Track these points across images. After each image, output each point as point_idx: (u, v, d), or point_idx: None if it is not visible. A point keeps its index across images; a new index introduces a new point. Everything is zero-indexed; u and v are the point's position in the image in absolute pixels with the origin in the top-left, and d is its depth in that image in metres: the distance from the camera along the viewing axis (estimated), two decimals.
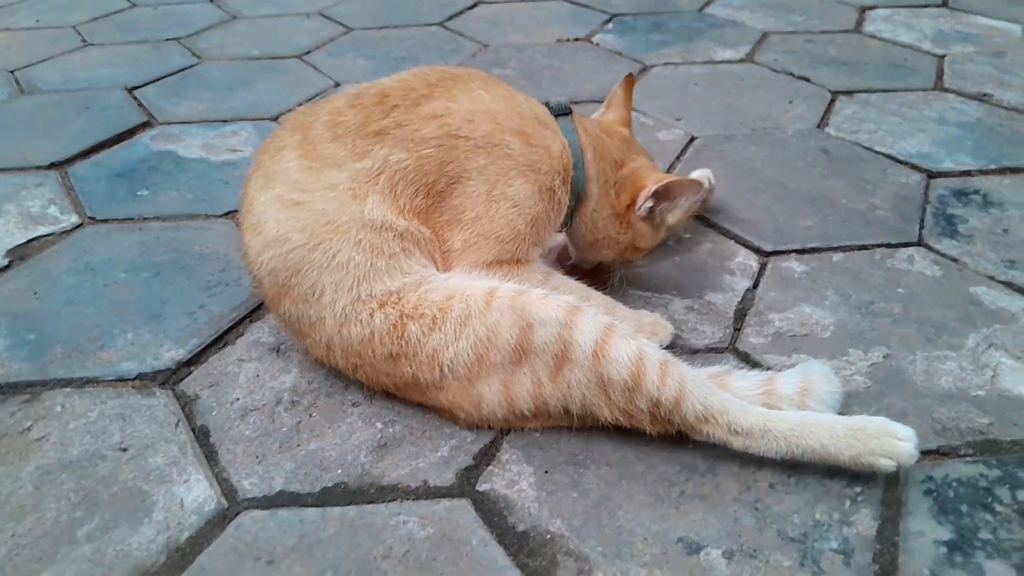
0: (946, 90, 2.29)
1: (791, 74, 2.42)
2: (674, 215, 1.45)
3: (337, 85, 2.40)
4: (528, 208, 1.22)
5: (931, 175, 1.86)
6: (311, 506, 1.11)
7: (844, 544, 1.03)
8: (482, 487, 1.13)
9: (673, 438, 1.16)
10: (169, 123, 2.20)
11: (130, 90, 2.41)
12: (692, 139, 2.06)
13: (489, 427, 1.20)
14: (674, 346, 1.34)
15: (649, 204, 1.34)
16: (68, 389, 1.31)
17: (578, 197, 1.31)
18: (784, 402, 1.17)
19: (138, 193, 1.86)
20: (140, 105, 2.31)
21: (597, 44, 2.70)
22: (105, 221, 1.76)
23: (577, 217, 1.35)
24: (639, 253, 1.43)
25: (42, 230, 1.72)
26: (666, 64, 2.52)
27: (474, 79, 1.29)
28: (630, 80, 1.55)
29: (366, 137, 1.19)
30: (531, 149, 1.22)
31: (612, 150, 1.38)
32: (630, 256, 1.43)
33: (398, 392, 1.24)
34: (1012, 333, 1.37)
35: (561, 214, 1.30)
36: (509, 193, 1.21)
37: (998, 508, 1.08)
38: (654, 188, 1.33)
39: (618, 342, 1.10)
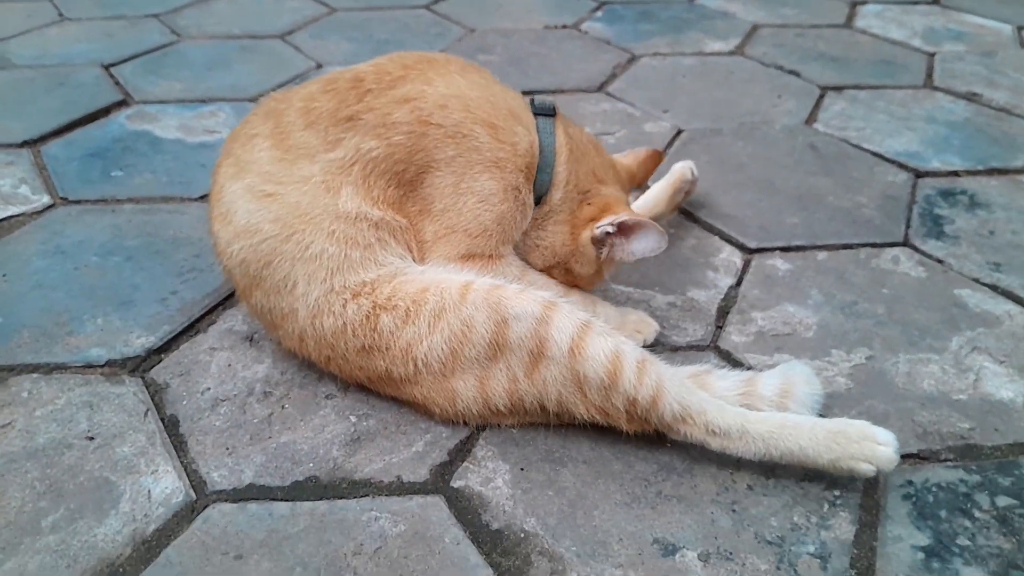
0: (935, 88, 2.28)
1: (781, 68, 2.40)
2: (615, 258, 1.29)
3: (319, 67, 2.36)
4: (493, 205, 1.18)
5: (918, 174, 1.85)
6: (281, 500, 1.08)
7: (821, 548, 1.02)
8: (456, 484, 1.10)
9: (651, 437, 1.14)
10: (146, 102, 2.16)
11: (107, 67, 2.36)
12: (679, 132, 2.03)
13: (464, 423, 1.18)
14: (656, 343, 1.32)
15: (609, 230, 1.24)
16: (35, 375, 1.28)
17: (539, 200, 1.26)
18: (764, 403, 1.15)
19: (112, 174, 1.82)
20: (116, 83, 2.26)
21: (585, 32, 2.67)
22: (77, 202, 1.72)
23: (532, 216, 1.27)
24: (569, 275, 1.31)
25: (12, 210, 1.68)
26: (655, 55, 2.50)
27: (452, 63, 1.25)
28: (659, 157, 1.51)
29: (338, 124, 1.16)
30: (498, 145, 1.17)
31: (596, 163, 1.31)
32: (558, 274, 1.32)
33: (372, 385, 1.21)
34: (996, 337, 1.36)
35: (527, 216, 1.24)
36: (475, 188, 1.17)
37: (977, 514, 1.07)
38: (625, 219, 1.24)
39: (595, 339, 1.08)
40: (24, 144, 1.93)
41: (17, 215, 1.67)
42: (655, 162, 1.52)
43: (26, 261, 1.53)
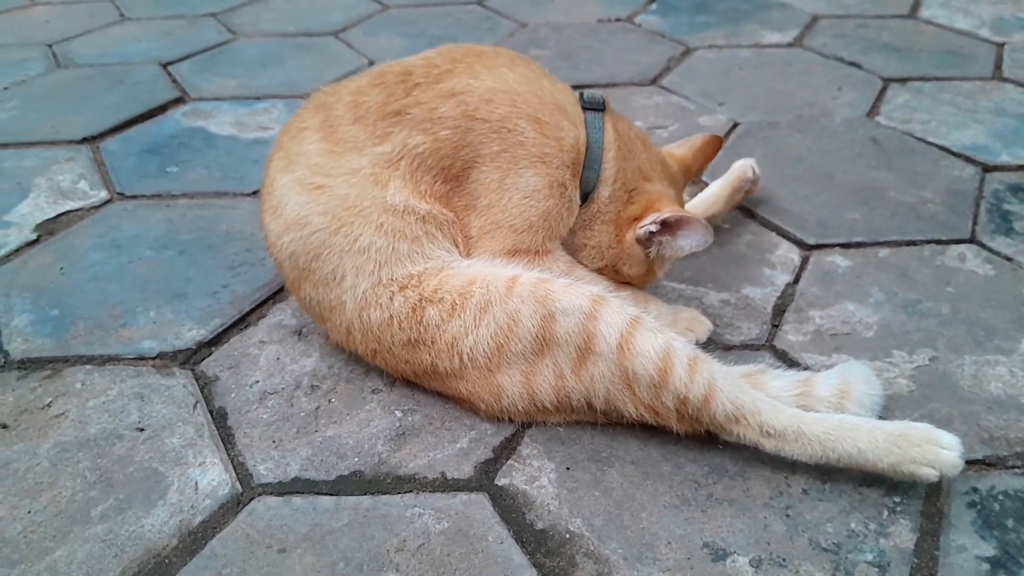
0: (1005, 80, 2.18)
1: (841, 59, 2.32)
2: (665, 256, 1.27)
3: (371, 63, 2.37)
4: (539, 201, 1.16)
5: (986, 168, 1.77)
6: (326, 494, 1.08)
7: (880, 556, 0.98)
8: (501, 482, 1.09)
9: (702, 438, 1.11)
10: (201, 99, 2.19)
11: (164, 65, 2.40)
12: (735, 125, 1.98)
13: (510, 419, 1.16)
14: (708, 342, 1.28)
15: (652, 229, 1.21)
16: (89, 366, 1.30)
17: (586, 197, 1.23)
18: (821, 404, 1.11)
19: (167, 169, 1.85)
20: (173, 81, 2.30)
21: (639, 25, 2.63)
22: (133, 197, 1.75)
23: (579, 214, 1.25)
24: (618, 276, 1.28)
25: (71, 205, 1.72)
26: (710, 47, 2.44)
27: (501, 56, 1.23)
28: (718, 143, 1.46)
29: (386, 118, 1.15)
30: (543, 140, 1.15)
31: (643, 159, 1.28)
32: (608, 275, 1.29)
33: (418, 380, 1.20)
34: None
35: (573, 212, 1.22)
36: (520, 184, 1.15)
37: None
38: (667, 215, 1.20)
39: (644, 335, 1.05)
40: (84, 140, 1.97)
41: (76, 209, 1.70)
42: (714, 148, 1.47)
43: (83, 255, 1.56)
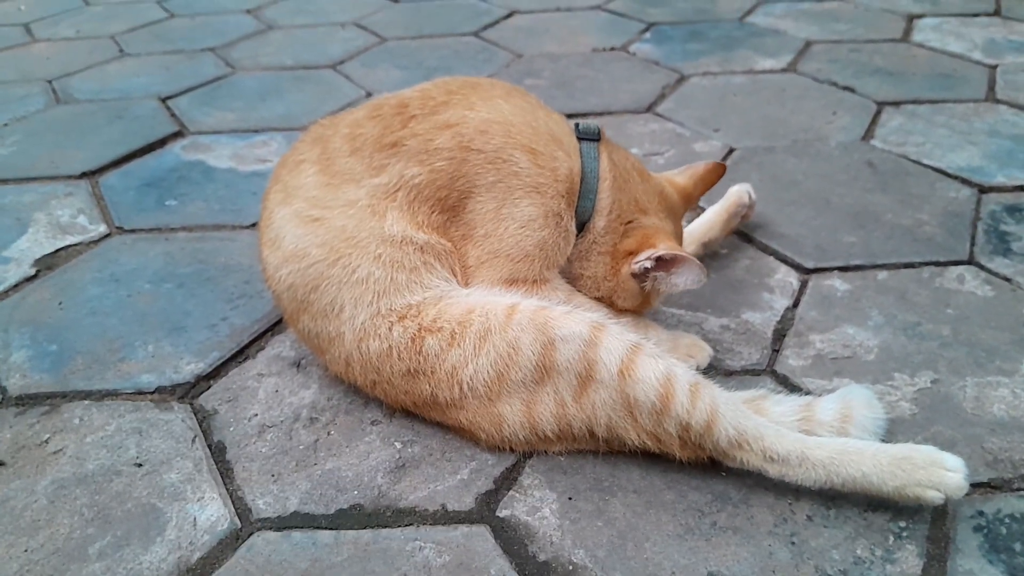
0: (998, 101, 2.19)
1: (835, 84, 2.34)
2: (660, 290, 1.27)
3: (369, 95, 2.38)
4: (534, 231, 1.16)
5: (982, 190, 1.77)
6: (325, 528, 1.07)
7: None
8: (502, 513, 1.08)
9: (704, 465, 1.10)
10: (200, 132, 2.20)
11: (163, 100, 2.42)
12: (731, 150, 1.99)
13: (511, 449, 1.15)
14: (709, 368, 1.28)
15: (647, 265, 1.21)
16: (87, 401, 1.29)
17: (583, 227, 1.23)
18: (823, 429, 1.10)
19: (166, 203, 1.85)
20: (172, 115, 2.32)
21: (633, 53, 2.65)
22: (132, 231, 1.75)
23: (575, 244, 1.25)
24: (613, 308, 1.27)
25: (70, 240, 1.72)
26: (704, 74, 2.46)
27: (496, 87, 1.24)
28: (720, 169, 1.45)
29: (383, 150, 1.16)
30: (538, 170, 1.16)
31: (640, 190, 1.28)
32: (605, 306, 1.28)
33: (417, 410, 1.20)
34: None
35: (570, 242, 1.22)
36: (516, 214, 1.15)
37: None
38: (663, 252, 1.20)
39: (645, 361, 1.05)
40: (83, 175, 1.98)
41: (75, 244, 1.71)
42: (716, 175, 1.45)
43: (81, 289, 1.56)
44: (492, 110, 1.18)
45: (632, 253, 1.23)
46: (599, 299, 1.28)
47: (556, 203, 1.17)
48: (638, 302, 1.27)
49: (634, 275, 1.23)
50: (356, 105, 1.31)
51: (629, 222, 1.25)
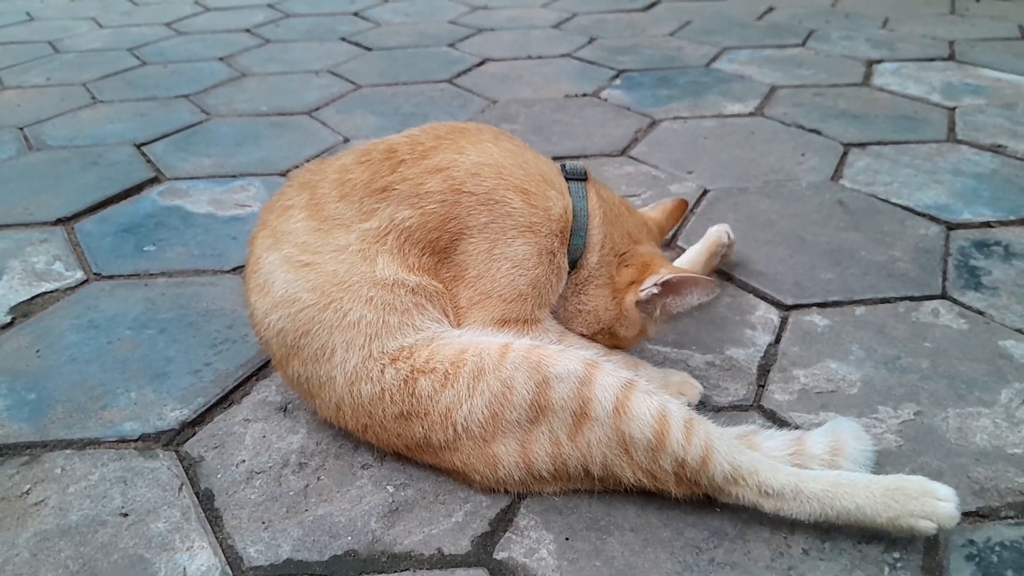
0: (959, 142, 2.27)
1: (802, 127, 2.41)
2: (672, 312, 1.29)
3: (346, 140, 2.40)
4: (528, 270, 1.18)
5: (950, 226, 1.83)
6: (320, 575, 1.05)
7: None
8: (499, 555, 1.07)
9: (700, 502, 1.11)
10: (177, 178, 2.19)
11: (139, 146, 2.41)
12: (705, 191, 2.04)
13: (505, 491, 1.15)
14: (698, 404, 1.29)
15: (654, 291, 1.24)
16: (69, 451, 1.26)
17: (574, 264, 1.25)
18: (815, 462, 1.11)
19: (144, 249, 1.84)
20: (148, 161, 2.31)
21: (605, 99, 2.71)
22: (110, 277, 1.73)
23: (569, 281, 1.27)
24: (613, 339, 1.30)
25: (46, 286, 1.69)
26: (675, 118, 2.52)
27: (484, 132, 1.26)
28: (684, 206, 1.55)
29: (372, 195, 1.17)
30: (531, 210, 1.18)
31: (630, 224, 1.32)
32: (602, 339, 1.30)
33: (410, 454, 1.19)
34: None
35: (562, 279, 1.24)
36: (509, 253, 1.17)
37: None
38: (669, 277, 1.23)
39: (640, 398, 1.06)
40: (58, 222, 1.96)
41: (51, 291, 1.68)
42: (681, 211, 1.54)
43: (60, 336, 1.53)
44: (482, 153, 1.20)
45: (636, 282, 1.25)
46: (597, 333, 1.29)
47: (550, 241, 1.19)
48: (638, 330, 1.30)
49: (639, 303, 1.25)
50: (335, 150, 1.32)
51: (623, 253, 1.28)
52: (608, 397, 1.05)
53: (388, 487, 1.18)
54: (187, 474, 1.22)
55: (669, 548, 1.07)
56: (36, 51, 3.50)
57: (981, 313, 1.52)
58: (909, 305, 1.55)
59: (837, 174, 2.10)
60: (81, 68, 3.21)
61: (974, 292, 1.58)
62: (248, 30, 3.78)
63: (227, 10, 4.23)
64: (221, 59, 3.29)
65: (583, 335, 1.29)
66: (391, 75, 3.02)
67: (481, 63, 3.13)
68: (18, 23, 4.09)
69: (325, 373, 1.15)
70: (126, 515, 1.14)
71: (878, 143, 2.28)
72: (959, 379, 1.35)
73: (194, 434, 1.30)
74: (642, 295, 1.24)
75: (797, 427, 1.25)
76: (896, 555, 1.04)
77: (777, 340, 1.47)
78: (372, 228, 1.16)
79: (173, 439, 1.29)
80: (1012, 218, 1.85)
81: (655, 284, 1.23)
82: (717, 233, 1.63)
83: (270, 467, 1.22)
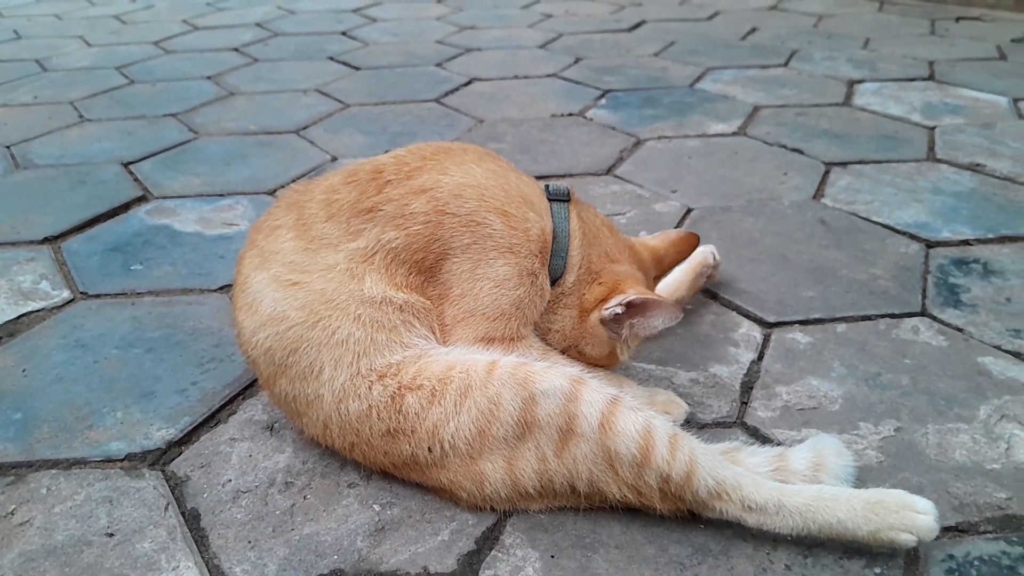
0: (939, 161, 2.31)
1: (784, 146, 2.44)
2: (640, 335, 1.29)
3: (334, 159, 2.41)
4: (509, 289, 1.19)
5: (930, 244, 1.86)
6: None
7: None
8: (485, 573, 1.07)
9: (684, 518, 1.12)
10: (165, 197, 2.20)
11: (126, 164, 2.42)
12: (689, 210, 2.06)
13: (492, 508, 1.15)
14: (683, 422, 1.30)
15: (618, 311, 1.23)
16: (54, 471, 1.26)
17: (554, 283, 1.26)
18: (797, 478, 1.13)
19: (131, 267, 1.84)
20: (136, 179, 2.31)
21: (591, 119, 2.74)
22: (97, 296, 1.73)
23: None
24: (583, 358, 1.29)
25: (32, 305, 1.69)
26: (660, 138, 2.55)
27: (469, 152, 1.28)
28: (694, 240, 1.51)
29: (359, 215, 1.18)
30: (511, 231, 1.19)
31: (609, 244, 1.32)
32: (575, 356, 1.30)
33: (396, 472, 1.19)
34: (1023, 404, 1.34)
35: (544, 298, 1.25)
36: (491, 273, 1.18)
37: None
38: (633, 297, 1.23)
39: (625, 414, 1.07)
40: (45, 240, 1.96)
41: (37, 310, 1.68)
42: (690, 245, 1.51)
43: (46, 356, 1.53)
44: (465, 174, 1.22)
45: (603, 300, 1.26)
46: (567, 351, 1.30)
47: (530, 262, 1.20)
48: (607, 350, 1.29)
49: (603, 321, 1.25)
50: (323, 169, 1.33)
51: (598, 273, 1.29)
52: (594, 413, 1.06)
53: (374, 506, 1.19)
54: (173, 494, 1.22)
55: (654, 565, 1.08)
56: (23, 69, 3.50)
57: (960, 330, 1.55)
58: (890, 322, 1.57)
59: (819, 193, 2.13)
60: (69, 86, 3.22)
61: (953, 309, 1.61)
62: (236, 49, 3.80)
63: (215, 29, 4.25)
64: (209, 78, 3.30)
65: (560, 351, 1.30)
66: (379, 94, 3.04)
67: (468, 83, 3.16)
68: (5, 41, 4.09)
69: (313, 391, 1.16)
70: (112, 535, 1.14)
71: (859, 162, 2.31)
72: (939, 395, 1.37)
73: (180, 453, 1.30)
74: (605, 313, 1.24)
75: (779, 443, 1.27)
76: (877, 570, 1.06)
77: (760, 357, 1.49)
78: (359, 248, 1.17)
79: (159, 459, 1.29)
80: (990, 236, 1.89)
81: (619, 304, 1.23)
82: (703, 254, 1.65)
83: (256, 486, 1.23)
